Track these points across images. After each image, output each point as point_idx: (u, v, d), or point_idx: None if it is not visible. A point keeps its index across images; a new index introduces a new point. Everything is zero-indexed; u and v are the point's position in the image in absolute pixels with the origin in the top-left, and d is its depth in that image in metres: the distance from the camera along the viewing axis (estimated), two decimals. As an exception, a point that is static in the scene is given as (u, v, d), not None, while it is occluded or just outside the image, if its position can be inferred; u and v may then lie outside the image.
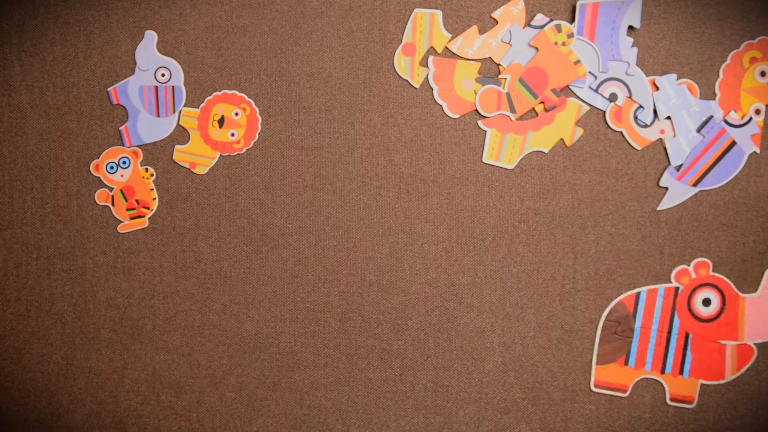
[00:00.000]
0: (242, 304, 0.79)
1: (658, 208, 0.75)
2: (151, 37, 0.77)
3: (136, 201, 0.77)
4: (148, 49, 0.77)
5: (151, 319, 0.79)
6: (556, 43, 0.74)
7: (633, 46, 0.74)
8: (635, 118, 0.74)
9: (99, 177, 0.77)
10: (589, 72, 0.74)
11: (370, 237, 0.78)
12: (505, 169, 0.76)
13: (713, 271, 0.74)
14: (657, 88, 0.74)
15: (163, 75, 0.77)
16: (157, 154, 0.78)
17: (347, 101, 0.77)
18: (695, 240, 0.75)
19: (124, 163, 0.77)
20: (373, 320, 0.78)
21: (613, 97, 0.74)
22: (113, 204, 0.77)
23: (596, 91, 0.74)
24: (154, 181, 0.77)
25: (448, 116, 0.76)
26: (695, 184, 0.74)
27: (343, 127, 0.77)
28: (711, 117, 0.74)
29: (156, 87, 0.77)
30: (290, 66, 0.77)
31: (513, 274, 0.77)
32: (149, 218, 0.78)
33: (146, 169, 0.77)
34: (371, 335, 0.78)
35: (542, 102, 0.74)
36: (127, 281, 0.79)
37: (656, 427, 0.77)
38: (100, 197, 0.77)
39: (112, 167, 0.77)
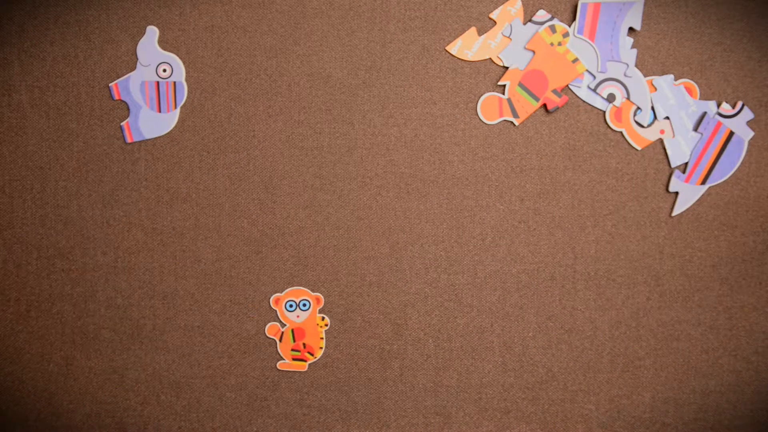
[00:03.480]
0: (242, 304, 0.79)
1: (673, 214, 0.75)
2: (152, 32, 0.77)
3: (303, 344, 0.78)
4: (149, 44, 0.77)
5: (151, 319, 0.79)
6: (552, 44, 0.74)
7: (633, 47, 0.74)
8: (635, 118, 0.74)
9: (276, 311, 0.78)
10: (588, 71, 0.74)
11: (370, 237, 0.78)
12: (505, 169, 0.76)
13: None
14: (655, 89, 0.74)
15: (164, 70, 0.77)
16: (157, 153, 0.78)
17: (347, 101, 0.77)
18: (695, 240, 0.75)
19: (304, 305, 0.78)
20: (373, 320, 0.78)
21: (611, 98, 0.74)
22: (281, 340, 0.78)
23: (594, 90, 0.74)
24: (326, 331, 0.78)
25: (447, 116, 0.76)
26: (704, 182, 0.74)
27: (343, 127, 0.77)
28: (705, 113, 0.74)
29: (157, 82, 0.77)
30: (290, 66, 0.77)
31: (513, 274, 0.77)
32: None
33: (323, 318, 0.78)
34: (371, 335, 0.78)
35: (544, 104, 0.74)
36: (127, 281, 0.79)
37: (656, 427, 0.77)
38: (271, 330, 0.78)
39: (291, 305, 0.78)
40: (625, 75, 0.74)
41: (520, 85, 0.74)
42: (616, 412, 0.77)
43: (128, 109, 0.78)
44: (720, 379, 0.76)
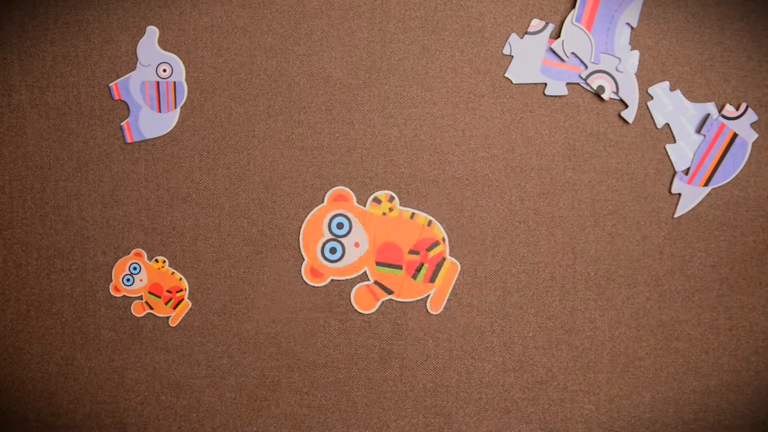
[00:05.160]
0: (242, 304, 0.79)
1: (675, 215, 0.75)
2: (152, 32, 0.77)
3: (168, 291, 0.78)
4: (149, 44, 0.77)
5: (151, 319, 0.79)
6: (384, 214, 0.75)
7: (633, 49, 0.74)
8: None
9: (123, 295, 0.78)
10: (581, 61, 0.74)
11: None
12: (505, 169, 0.76)
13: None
14: (651, 98, 0.74)
15: (164, 70, 0.77)
16: (157, 153, 0.78)
17: (347, 101, 0.77)
18: (695, 240, 0.75)
19: (135, 269, 0.77)
20: (373, 320, 0.78)
21: (600, 89, 0.74)
22: (151, 308, 0.78)
23: (585, 80, 0.74)
24: (170, 265, 0.78)
25: (447, 116, 0.76)
26: (706, 184, 0.74)
27: (343, 127, 0.77)
28: (708, 115, 0.74)
29: (157, 82, 0.77)
30: (290, 66, 0.77)
31: (513, 274, 0.77)
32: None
33: (156, 260, 0.77)
34: (371, 335, 0.78)
35: (408, 269, 0.76)
36: (127, 281, 0.79)
37: (656, 427, 0.77)
38: (137, 309, 0.78)
39: (128, 279, 0.78)
40: (616, 69, 0.74)
41: (378, 263, 0.76)
42: (616, 412, 0.77)
43: (128, 109, 0.78)
44: (720, 379, 0.76)
